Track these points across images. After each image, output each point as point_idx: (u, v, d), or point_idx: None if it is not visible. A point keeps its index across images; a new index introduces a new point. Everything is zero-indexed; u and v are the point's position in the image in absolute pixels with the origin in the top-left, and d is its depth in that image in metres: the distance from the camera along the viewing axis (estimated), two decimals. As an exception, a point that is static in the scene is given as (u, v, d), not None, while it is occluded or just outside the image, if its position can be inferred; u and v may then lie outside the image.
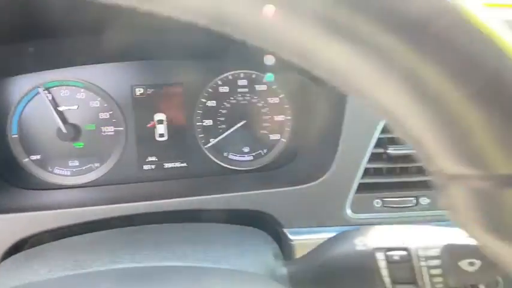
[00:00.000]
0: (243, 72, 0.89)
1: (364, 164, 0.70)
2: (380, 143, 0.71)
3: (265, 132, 0.92)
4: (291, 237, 0.67)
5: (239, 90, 0.89)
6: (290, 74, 0.87)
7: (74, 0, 0.51)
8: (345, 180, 0.69)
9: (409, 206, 0.70)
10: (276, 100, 0.91)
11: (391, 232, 0.49)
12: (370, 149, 0.70)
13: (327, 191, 0.69)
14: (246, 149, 0.92)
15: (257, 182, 0.80)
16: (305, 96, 0.89)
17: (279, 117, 0.92)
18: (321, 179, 0.70)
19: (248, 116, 0.90)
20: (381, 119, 0.70)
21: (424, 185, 0.71)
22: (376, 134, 0.70)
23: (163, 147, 0.87)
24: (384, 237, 0.49)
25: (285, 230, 0.68)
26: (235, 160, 0.91)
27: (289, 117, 0.92)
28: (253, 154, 0.92)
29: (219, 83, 0.88)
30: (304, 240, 0.67)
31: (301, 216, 0.69)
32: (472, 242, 0.40)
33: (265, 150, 0.92)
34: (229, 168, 0.90)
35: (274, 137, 0.92)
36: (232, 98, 0.89)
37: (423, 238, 0.46)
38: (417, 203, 0.71)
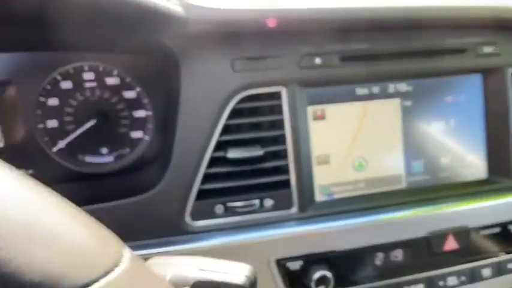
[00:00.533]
0: (87, 65, 0.79)
1: (203, 169, 0.65)
2: (220, 146, 0.66)
3: (124, 130, 0.84)
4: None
5: (86, 85, 0.80)
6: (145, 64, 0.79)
7: None
8: (183, 187, 0.65)
9: (253, 209, 0.67)
10: (132, 94, 0.82)
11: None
12: (209, 153, 0.65)
13: (163, 200, 0.64)
14: (105, 150, 0.84)
15: (88, 194, 0.73)
16: (165, 89, 0.81)
17: (139, 114, 0.84)
18: (155, 189, 0.64)
19: (101, 114, 0.81)
20: (220, 121, 0.65)
21: (268, 187, 0.68)
22: (215, 137, 0.65)
23: (1, 156, 0.77)
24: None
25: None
26: (93, 163, 0.83)
27: (150, 113, 0.84)
28: (114, 155, 0.84)
29: (58, 78, 0.77)
30: (142, 255, 0.62)
31: (136, 228, 0.64)
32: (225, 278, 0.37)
33: (127, 150, 0.85)
34: (85, 172, 0.82)
35: (135, 134, 0.84)
36: (79, 95, 0.80)
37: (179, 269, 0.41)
38: (261, 205, 0.68)
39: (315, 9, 0.61)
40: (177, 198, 0.64)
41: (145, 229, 0.64)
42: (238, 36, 0.65)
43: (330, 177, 0.73)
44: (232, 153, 0.65)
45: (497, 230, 0.76)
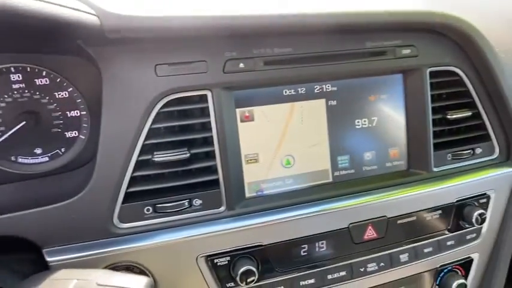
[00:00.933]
0: (14, 66, 0.77)
1: (129, 172, 0.67)
2: (147, 149, 0.68)
3: (58, 130, 0.83)
4: (49, 258, 0.63)
5: (14, 86, 0.78)
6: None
7: None
8: (109, 190, 0.66)
9: (182, 209, 0.70)
10: (64, 94, 0.82)
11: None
12: (135, 156, 0.67)
13: (90, 204, 0.66)
14: (39, 150, 0.83)
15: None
16: (97, 88, 0.81)
17: (73, 113, 0.83)
18: (82, 192, 0.65)
19: (32, 114, 0.80)
20: (146, 125, 0.67)
21: (198, 187, 0.71)
22: (141, 141, 0.67)
23: None
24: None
25: (45, 251, 0.64)
26: (27, 163, 0.83)
27: (84, 112, 0.84)
28: (49, 154, 0.84)
29: (-18, 81, 0.75)
30: (67, 260, 0.64)
31: (64, 232, 0.66)
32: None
33: (63, 150, 0.84)
34: (19, 173, 0.82)
35: (70, 134, 0.84)
36: (6, 96, 0.78)
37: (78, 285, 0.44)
38: (191, 205, 0.70)
39: (222, 16, 0.63)
40: (104, 201, 0.66)
41: (74, 233, 0.66)
42: (160, 42, 0.66)
43: (259, 174, 0.77)
44: (158, 157, 0.67)
45: (413, 218, 0.83)
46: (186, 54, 0.67)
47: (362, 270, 0.80)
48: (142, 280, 0.40)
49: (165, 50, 0.66)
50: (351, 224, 0.78)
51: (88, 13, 0.57)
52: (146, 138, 0.67)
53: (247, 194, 0.77)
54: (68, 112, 0.83)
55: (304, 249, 0.76)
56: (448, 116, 0.85)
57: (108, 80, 0.65)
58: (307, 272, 0.77)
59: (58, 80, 0.81)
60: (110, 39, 0.61)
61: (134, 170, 0.67)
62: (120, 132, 0.65)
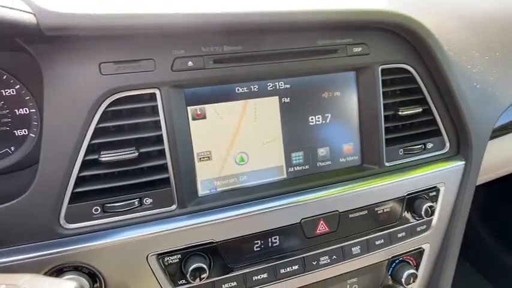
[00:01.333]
0: (-46, 63, 0.74)
1: (76, 172, 0.66)
2: (93, 149, 0.67)
3: (6, 128, 0.81)
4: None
5: (-45, 84, 0.75)
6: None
7: None
8: (54, 190, 0.65)
9: (132, 208, 0.70)
10: (11, 92, 0.79)
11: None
12: (81, 156, 0.66)
13: (35, 204, 0.65)
14: (-14, 149, 0.81)
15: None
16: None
17: (21, 111, 0.81)
18: (27, 193, 0.64)
19: (-24, 113, 0.77)
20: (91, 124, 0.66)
21: (149, 186, 0.71)
22: (87, 141, 0.66)
23: None
24: None
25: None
26: (-27, 163, 0.80)
27: (33, 110, 0.81)
28: (-1, 153, 0.82)
29: None
30: (13, 261, 0.63)
31: (10, 234, 0.64)
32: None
33: (12, 148, 0.82)
34: (-35, 173, 0.79)
35: (20, 132, 0.82)
36: None
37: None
38: (141, 204, 0.70)
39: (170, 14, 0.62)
40: (49, 201, 0.65)
41: (20, 234, 0.65)
42: (105, 40, 0.64)
43: (212, 172, 0.77)
44: (105, 156, 0.66)
45: (365, 212, 0.85)
46: (133, 52, 0.66)
47: (314, 263, 0.83)
48: (71, 285, 0.40)
49: (110, 48, 0.65)
50: (303, 219, 0.80)
51: (24, 11, 0.55)
52: (92, 138, 0.66)
53: (201, 192, 0.77)
54: (16, 110, 0.81)
55: (257, 245, 0.78)
56: (400, 112, 0.87)
57: (50, 78, 0.63)
58: (260, 267, 0.79)
59: (4, 77, 0.78)
60: (49, 37, 0.59)
61: (81, 170, 0.66)
62: (63, 132, 0.64)
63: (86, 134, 0.65)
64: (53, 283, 0.40)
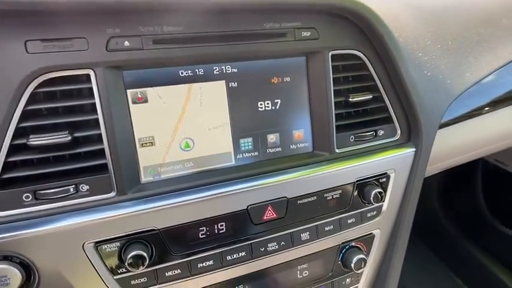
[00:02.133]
0: None
1: (2, 157, 0.62)
2: (22, 133, 0.63)
3: None
4: None
5: None
6: None
7: None
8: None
9: (67, 195, 0.67)
10: None
11: None
12: (7, 140, 0.62)
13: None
14: None
15: None
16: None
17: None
18: None
19: None
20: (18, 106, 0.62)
21: (86, 172, 0.68)
22: (13, 124, 0.62)
23: None
24: None
25: None
26: None
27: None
28: None
29: None
30: None
31: None
32: None
33: None
34: None
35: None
36: None
37: None
38: (77, 191, 0.67)
39: None
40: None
41: None
42: (31, 16, 0.60)
43: (155, 158, 0.75)
44: (34, 140, 0.62)
45: (314, 198, 0.85)
46: (63, 30, 0.63)
47: (262, 250, 0.82)
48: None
49: (37, 25, 0.61)
50: (249, 205, 0.79)
51: None
52: (20, 121, 0.62)
53: (143, 179, 0.74)
54: None
55: (202, 232, 0.76)
56: (350, 99, 0.87)
57: (-30, 57, 0.59)
58: (206, 254, 0.77)
59: None
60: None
61: (8, 155, 0.62)
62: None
63: (12, 117, 0.62)
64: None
